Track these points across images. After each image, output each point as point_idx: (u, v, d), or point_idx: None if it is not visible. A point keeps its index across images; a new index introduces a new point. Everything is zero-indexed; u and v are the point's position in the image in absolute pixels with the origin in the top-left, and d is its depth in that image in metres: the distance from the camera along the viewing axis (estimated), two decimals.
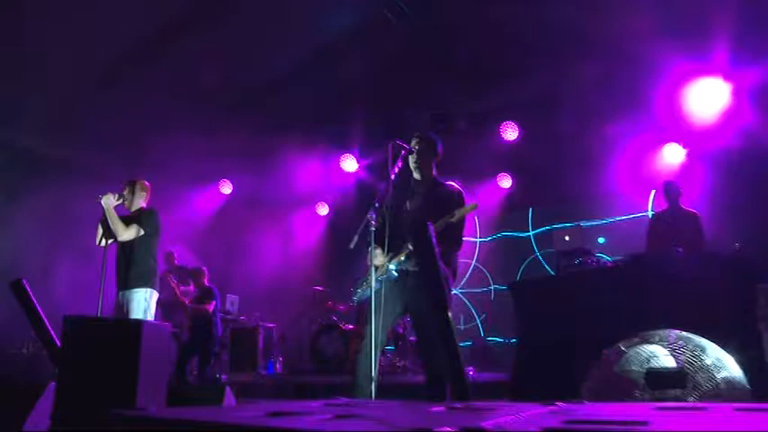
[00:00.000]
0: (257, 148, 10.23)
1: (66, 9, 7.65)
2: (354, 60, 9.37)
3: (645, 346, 2.35)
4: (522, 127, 9.11)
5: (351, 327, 8.14)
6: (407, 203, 4.14)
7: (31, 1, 7.61)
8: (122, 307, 5.32)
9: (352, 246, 3.75)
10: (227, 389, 3.64)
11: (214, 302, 7.86)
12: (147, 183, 5.77)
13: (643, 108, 8.62)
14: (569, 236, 6.28)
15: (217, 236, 10.01)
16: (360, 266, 9.73)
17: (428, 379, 3.91)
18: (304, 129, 9.78)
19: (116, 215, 5.38)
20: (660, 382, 2.22)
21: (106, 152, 10.02)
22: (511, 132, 9.09)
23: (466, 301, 10.53)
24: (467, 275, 10.75)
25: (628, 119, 8.72)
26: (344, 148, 10.05)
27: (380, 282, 3.87)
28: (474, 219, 10.87)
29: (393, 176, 3.93)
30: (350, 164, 10.05)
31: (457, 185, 4.32)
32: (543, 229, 10.20)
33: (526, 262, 10.35)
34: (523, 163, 9.77)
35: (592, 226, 9.56)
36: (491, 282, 10.70)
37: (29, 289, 2.32)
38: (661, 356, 2.27)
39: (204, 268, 8.28)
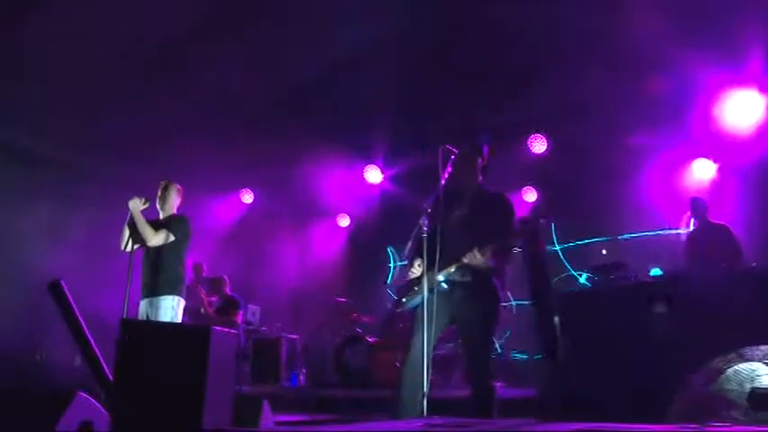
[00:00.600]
0: (280, 157, 10.13)
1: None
2: (380, 69, 9.27)
3: (745, 364, 2.18)
4: (550, 139, 8.93)
5: (374, 339, 7.94)
6: (455, 210, 3.98)
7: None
8: (148, 315, 5.17)
9: (406, 252, 3.60)
10: (265, 403, 3.49)
11: (240, 312, 7.71)
12: (180, 186, 5.61)
13: (674, 121, 8.46)
14: (606, 249, 6.10)
15: (237, 245, 9.87)
16: (380, 276, 9.57)
17: (475, 393, 3.75)
18: (328, 138, 9.67)
19: (144, 219, 5.23)
20: (766, 403, 2.06)
21: (125, 157, 9.98)
22: (539, 145, 8.93)
23: None
24: None
25: (657, 132, 8.57)
26: (368, 158, 9.92)
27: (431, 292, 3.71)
28: None
29: (443, 182, 3.78)
30: (374, 174, 9.90)
31: (502, 193, 4.19)
32: (574, 243, 9.91)
33: (557, 278, 10.11)
34: (549, 176, 9.60)
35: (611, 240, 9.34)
36: (510, 297, 10.49)
37: (67, 291, 2.17)
38: (764, 375, 2.10)
39: (225, 277, 8.10)
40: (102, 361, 2.69)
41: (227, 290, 7.97)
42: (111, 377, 2.68)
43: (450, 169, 3.84)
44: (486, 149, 4.22)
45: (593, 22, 8.21)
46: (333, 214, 10.92)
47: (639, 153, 8.71)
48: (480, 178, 4.16)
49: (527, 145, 9.10)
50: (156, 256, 5.26)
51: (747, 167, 8.22)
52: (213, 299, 8.55)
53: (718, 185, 8.63)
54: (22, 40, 8.07)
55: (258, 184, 10.58)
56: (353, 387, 7.48)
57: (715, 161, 8.82)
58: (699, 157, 8.91)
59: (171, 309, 5.11)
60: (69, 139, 9.36)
